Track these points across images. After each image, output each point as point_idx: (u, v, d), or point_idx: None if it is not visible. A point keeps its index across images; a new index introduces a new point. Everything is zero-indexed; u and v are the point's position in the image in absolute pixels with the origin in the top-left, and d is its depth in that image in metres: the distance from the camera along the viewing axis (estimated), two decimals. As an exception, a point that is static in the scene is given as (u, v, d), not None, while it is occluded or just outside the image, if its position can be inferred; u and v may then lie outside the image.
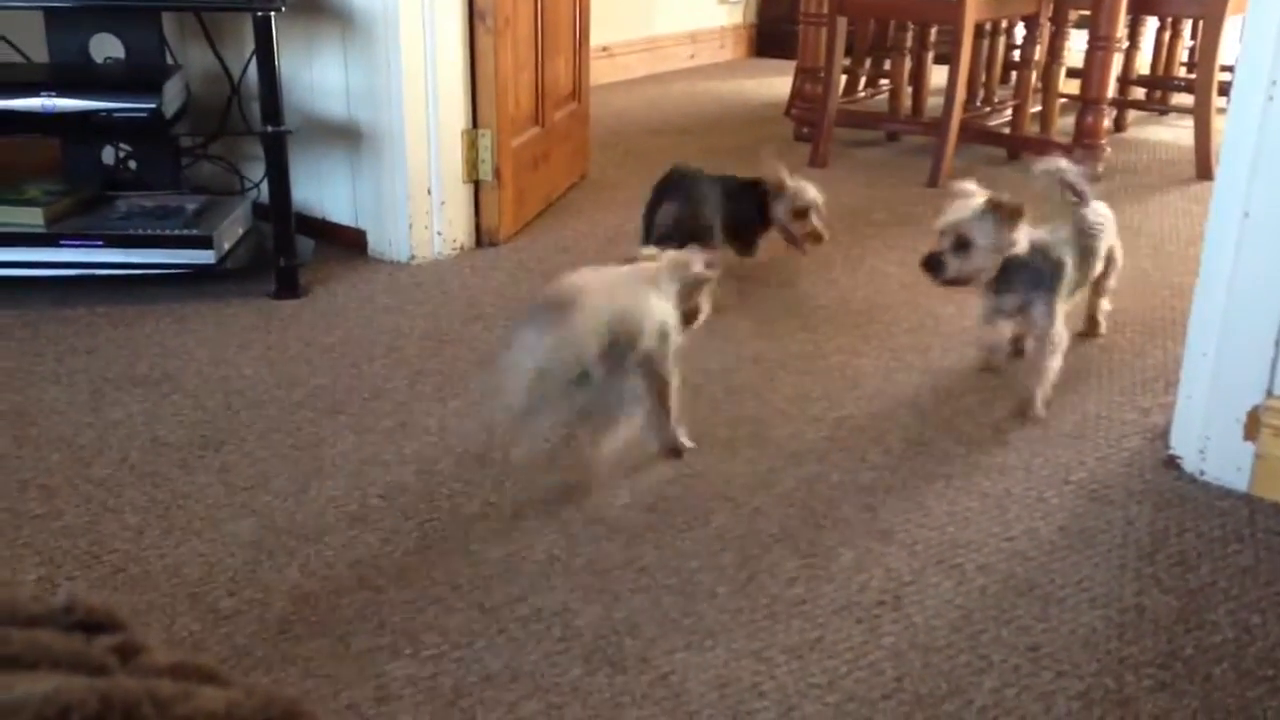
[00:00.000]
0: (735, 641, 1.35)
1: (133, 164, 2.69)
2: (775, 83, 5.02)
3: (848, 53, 3.98)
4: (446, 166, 2.68)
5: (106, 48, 2.54)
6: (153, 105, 2.34)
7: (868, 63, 4.35)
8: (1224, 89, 2.93)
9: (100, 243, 2.33)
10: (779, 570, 1.49)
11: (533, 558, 1.51)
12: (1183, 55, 4.39)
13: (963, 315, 2.37)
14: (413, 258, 2.67)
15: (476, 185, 2.76)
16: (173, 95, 2.44)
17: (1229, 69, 3.40)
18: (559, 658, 1.32)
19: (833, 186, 3.40)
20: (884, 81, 4.30)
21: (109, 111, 2.34)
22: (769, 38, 5.98)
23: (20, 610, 0.67)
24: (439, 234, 2.70)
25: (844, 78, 4.00)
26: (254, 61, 2.33)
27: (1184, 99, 3.95)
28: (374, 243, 2.71)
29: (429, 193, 2.66)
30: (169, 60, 2.62)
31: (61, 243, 2.32)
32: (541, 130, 3.01)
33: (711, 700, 1.25)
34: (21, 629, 0.65)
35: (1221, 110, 1.83)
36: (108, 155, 2.69)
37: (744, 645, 1.35)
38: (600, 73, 4.73)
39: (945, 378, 2.08)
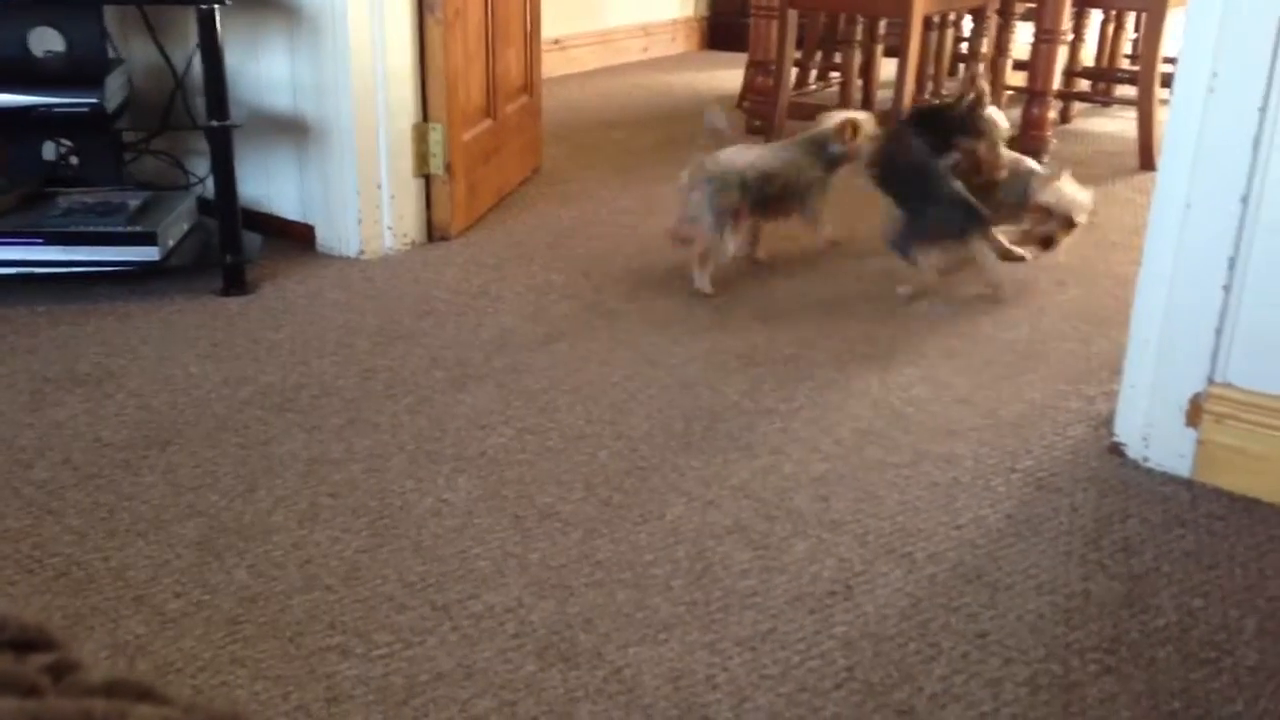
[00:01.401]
0: (689, 634, 1.36)
1: (74, 159, 2.64)
2: (727, 75, 5.03)
3: (798, 45, 3.99)
4: (396, 160, 2.65)
5: (46, 41, 2.48)
6: (94, 100, 2.30)
7: (818, 55, 4.37)
8: (1167, 81, 2.98)
9: (41, 240, 2.28)
10: (732, 562, 1.50)
11: (485, 554, 1.51)
12: (1126, 48, 4.45)
13: (913, 305, 2.39)
14: (362, 253, 2.64)
15: (427, 179, 2.74)
16: (115, 89, 2.40)
17: (1172, 61, 3.46)
18: (512, 654, 1.32)
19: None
20: (834, 74, 4.33)
21: (49, 106, 2.30)
22: (721, 30, 5.99)
23: (-52, 630, 0.66)
24: (389, 229, 2.68)
25: (795, 70, 4.01)
26: (198, 55, 2.30)
27: (1128, 91, 4.01)
28: (323, 238, 2.69)
29: (379, 187, 2.64)
30: (111, 54, 2.58)
31: (0, 241, 2.28)
32: (493, 123, 2.99)
33: (665, 693, 1.26)
34: (-50, 649, 0.63)
35: (1164, 102, 1.86)
36: (48, 151, 2.63)
37: (698, 638, 1.35)
38: (552, 65, 4.72)
39: (894, 368, 2.10)
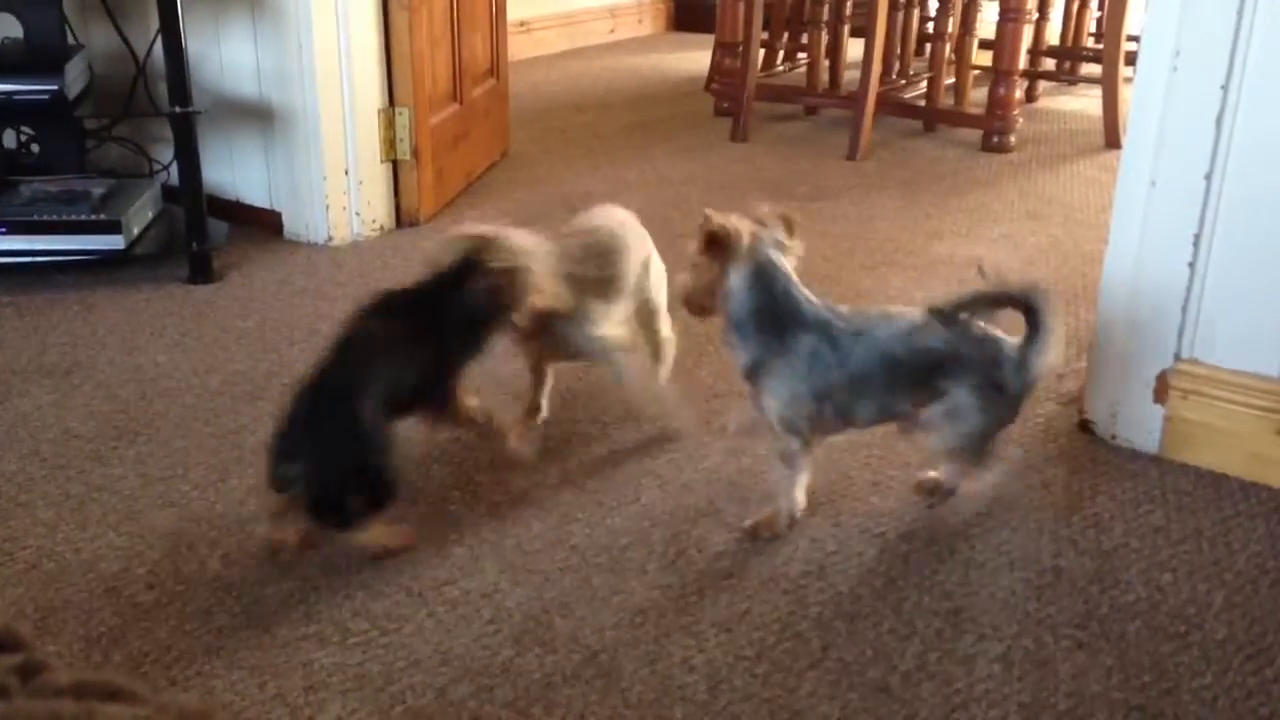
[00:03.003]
0: (665, 617, 1.36)
1: (35, 148, 2.60)
2: (694, 57, 5.02)
3: (765, 26, 3.99)
4: (364, 146, 2.63)
5: (4, 28, 2.45)
6: (54, 87, 2.27)
7: (785, 36, 4.37)
8: (1131, 59, 3.00)
9: (3, 230, 2.26)
10: (706, 545, 1.50)
11: (461, 540, 1.50)
12: (1091, 26, 4.48)
13: (884, 287, 2.40)
14: (330, 239, 2.62)
15: (395, 165, 2.72)
16: (75, 76, 2.37)
17: (1137, 39, 3.48)
18: (489, 640, 1.32)
19: (754, 161, 3.44)
20: (801, 55, 4.33)
21: (8, 94, 2.26)
22: (687, 12, 5.97)
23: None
24: (357, 215, 2.66)
25: (762, 52, 4.01)
26: (160, 40, 2.27)
27: (1093, 69, 4.03)
28: (290, 225, 2.66)
29: (346, 173, 2.62)
30: (70, 40, 2.54)
31: (-38, 231, 2.25)
32: (460, 108, 2.98)
33: (642, 676, 1.26)
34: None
35: (1129, 80, 1.87)
36: (9, 139, 2.60)
37: (674, 621, 1.35)
38: (518, 48, 4.69)
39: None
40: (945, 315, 1.43)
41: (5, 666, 0.63)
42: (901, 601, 1.40)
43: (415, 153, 2.71)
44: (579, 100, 4.25)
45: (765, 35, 4.08)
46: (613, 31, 5.67)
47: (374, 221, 2.70)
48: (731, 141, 3.63)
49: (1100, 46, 3.87)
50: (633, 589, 1.41)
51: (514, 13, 4.02)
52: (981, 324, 1.46)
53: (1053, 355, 1.44)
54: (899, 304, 2.28)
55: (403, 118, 2.68)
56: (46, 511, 1.55)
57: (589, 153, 3.48)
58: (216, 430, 1.78)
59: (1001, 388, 1.45)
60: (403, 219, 2.76)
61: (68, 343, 2.08)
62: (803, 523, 1.55)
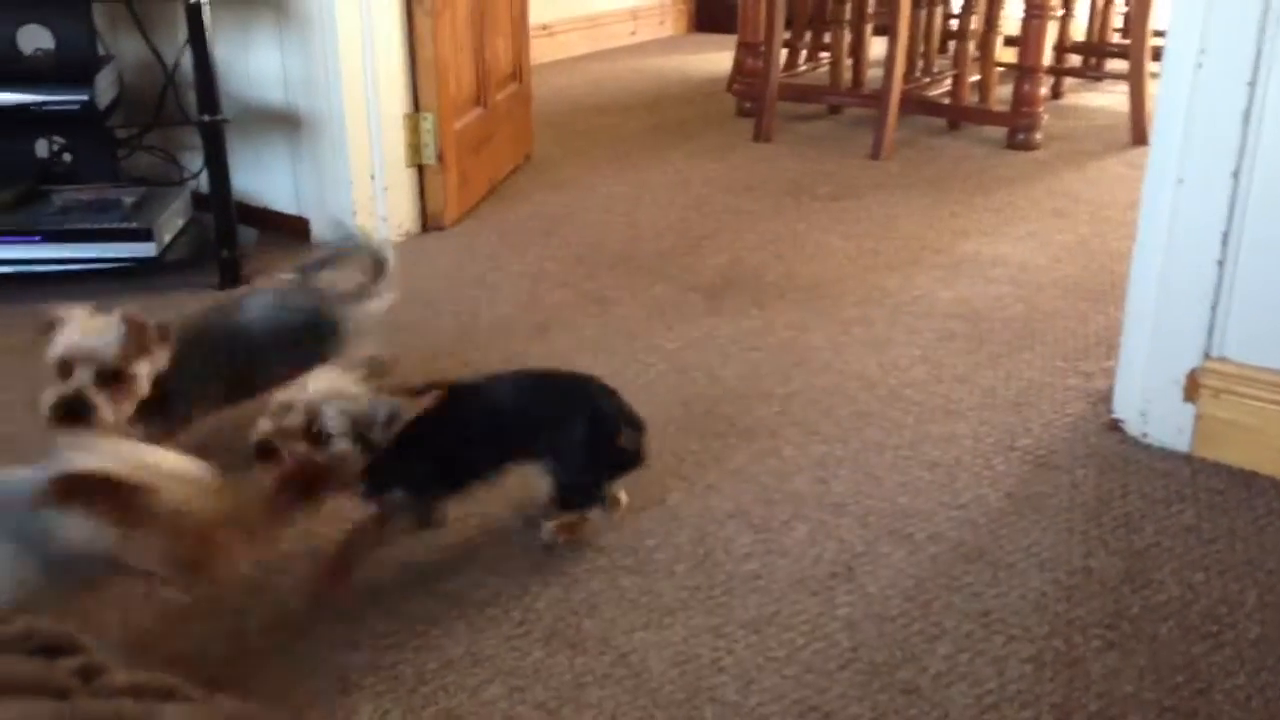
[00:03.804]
0: (693, 618, 1.36)
1: (67, 157, 2.64)
2: (716, 58, 5.02)
3: (787, 26, 3.98)
4: (389, 151, 2.65)
5: (36, 39, 2.48)
6: (85, 97, 2.30)
7: (808, 36, 4.37)
8: (1158, 54, 2.98)
9: (37, 238, 2.28)
10: (734, 546, 1.51)
11: (490, 542, 1.51)
12: (1117, 21, 4.45)
13: (909, 287, 2.40)
14: (358, 244, 2.64)
15: (420, 169, 2.74)
16: (105, 86, 2.40)
17: (1163, 34, 3.46)
18: (519, 640, 1.33)
19: (777, 161, 3.44)
20: (824, 54, 4.32)
21: (40, 104, 2.29)
22: (709, 12, 5.98)
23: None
24: (383, 220, 2.68)
25: (784, 51, 4.01)
26: (188, 50, 2.30)
27: (1119, 64, 4.01)
28: (317, 230, 2.68)
29: (372, 178, 2.64)
30: (100, 50, 2.57)
31: (-4, 240, 2.28)
32: (484, 112, 2.99)
33: (672, 677, 1.27)
34: (-17, 658, 0.65)
35: (1156, 75, 1.86)
36: (41, 148, 2.63)
37: (702, 622, 1.36)
38: (541, 52, 4.70)
39: (892, 349, 2.10)
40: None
41: (67, 669, 0.64)
42: (930, 603, 1.40)
43: (440, 157, 2.72)
44: (601, 103, 4.26)
45: (787, 35, 4.08)
46: (634, 33, 5.68)
47: (399, 226, 2.71)
48: (754, 142, 3.63)
49: (1126, 42, 3.85)
50: (660, 590, 1.42)
51: (536, 16, 4.03)
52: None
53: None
54: (924, 303, 2.28)
55: (427, 123, 2.69)
56: (82, 517, 1.57)
57: (612, 155, 3.49)
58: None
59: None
60: (427, 223, 2.78)
61: (100, 350, 2.10)
62: (830, 524, 1.55)
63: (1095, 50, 4.33)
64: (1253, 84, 1.56)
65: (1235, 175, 1.60)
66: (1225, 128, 1.59)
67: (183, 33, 2.33)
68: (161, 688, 0.62)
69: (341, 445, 1.32)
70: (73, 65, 2.42)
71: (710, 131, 3.79)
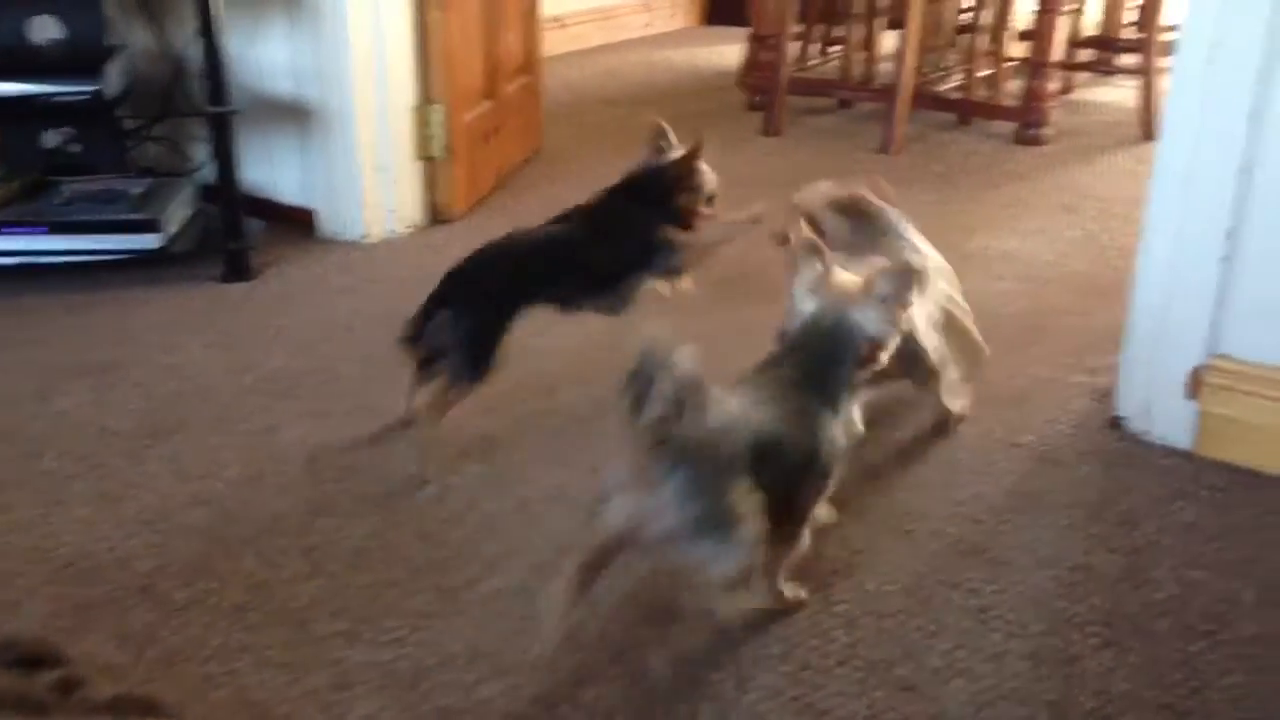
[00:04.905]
0: (692, 615, 1.36)
1: (75, 147, 2.64)
2: (727, 51, 5.00)
3: (800, 19, 3.97)
4: (398, 143, 2.65)
5: (46, 29, 2.48)
6: (94, 87, 2.30)
7: (819, 29, 4.35)
8: (1169, 50, 2.95)
9: (44, 230, 2.29)
10: (734, 542, 1.50)
11: (491, 538, 1.52)
12: (1129, 17, 4.41)
13: (914, 282, 2.39)
14: (365, 237, 2.65)
15: (429, 162, 2.74)
16: (115, 76, 2.40)
17: (1174, 29, 3.43)
18: (518, 637, 1.33)
19: (787, 154, 3.43)
20: (835, 48, 4.30)
21: (49, 95, 2.30)
22: (721, 5, 5.95)
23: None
24: (391, 212, 2.68)
25: (797, 44, 4.00)
26: (197, 40, 2.30)
27: (1131, 60, 3.98)
28: (325, 223, 2.69)
29: (380, 170, 2.64)
30: (110, 41, 2.57)
31: (3, 231, 2.29)
32: (493, 104, 2.99)
33: (671, 674, 1.27)
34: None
35: (1166, 70, 1.85)
36: (49, 139, 2.63)
37: (701, 618, 1.36)
38: (553, 43, 4.69)
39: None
40: None
41: (45, 682, 0.64)
42: (929, 599, 1.40)
43: (449, 150, 2.72)
44: (612, 95, 4.26)
45: (799, 28, 4.06)
46: (647, 25, 5.67)
47: (408, 219, 2.72)
48: (764, 135, 3.62)
49: (1138, 37, 3.82)
50: (660, 586, 1.42)
51: (550, 8, 4.02)
52: None
53: None
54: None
55: (437, 115, 2.69)
56: (83, 509, 1.58)
57: (622, 148, 3.46)
58: (251, 428, 1.80)
59: None
60: (436, 216, 2.78)
61: (106, 341, 2.11)
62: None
63: (1107, 45, 4.30)
64: (1262, 82, 1.55)
65: (1242, 172, 1.59)
66: (1234, 125, 1.58)
67: (192, 23, 2.33)
68: (143, 701, 0.62)
69: None
70: (82, 55, 2.42)
71: (721, 124, 3.78)
